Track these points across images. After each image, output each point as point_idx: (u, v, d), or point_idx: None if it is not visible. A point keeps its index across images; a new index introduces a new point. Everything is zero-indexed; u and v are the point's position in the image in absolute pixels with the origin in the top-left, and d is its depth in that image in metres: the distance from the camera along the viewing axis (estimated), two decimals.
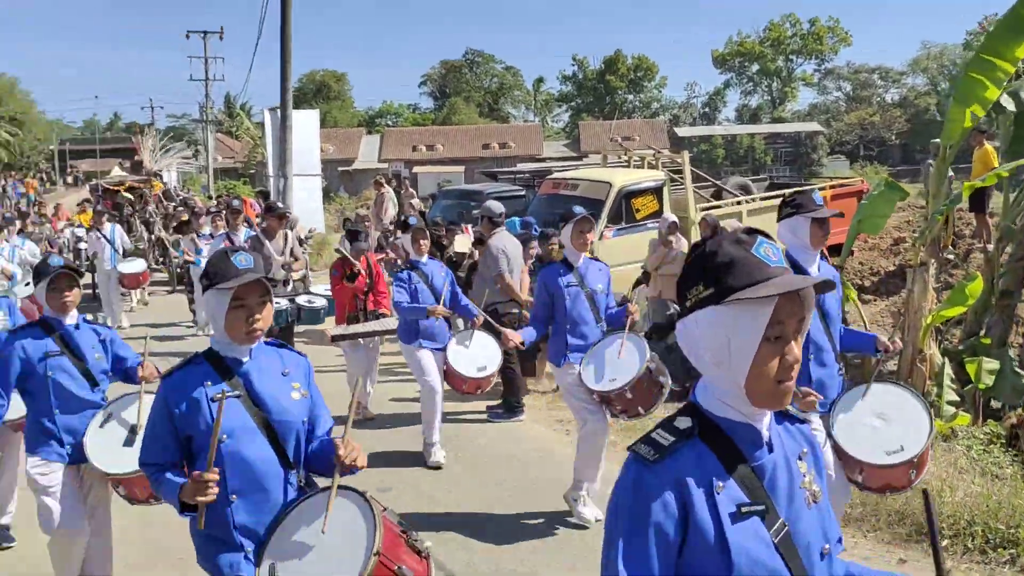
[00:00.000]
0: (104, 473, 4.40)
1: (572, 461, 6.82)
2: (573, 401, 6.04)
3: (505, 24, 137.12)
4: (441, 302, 7.28)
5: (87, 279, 13.53)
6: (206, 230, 12.70)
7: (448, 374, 7.26)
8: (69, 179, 59.17)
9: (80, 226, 18.51)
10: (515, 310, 8.83)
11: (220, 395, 2.92)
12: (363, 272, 8.68)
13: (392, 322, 8.24)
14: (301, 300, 10.00)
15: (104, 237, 14.08)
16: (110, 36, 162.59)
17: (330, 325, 9.33)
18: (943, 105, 58.48)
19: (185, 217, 16.43)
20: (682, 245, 10.98)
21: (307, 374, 3.26)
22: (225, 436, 2.94)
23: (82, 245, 14.67)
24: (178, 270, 16.58)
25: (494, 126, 65.92)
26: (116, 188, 22.96)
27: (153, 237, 19.81)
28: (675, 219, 11.26)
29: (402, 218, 13.84)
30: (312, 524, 2.83)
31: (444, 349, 7.27)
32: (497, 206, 9.39)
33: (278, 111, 19.31)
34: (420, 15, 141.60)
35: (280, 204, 11.09)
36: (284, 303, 9.47)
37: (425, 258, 7.55)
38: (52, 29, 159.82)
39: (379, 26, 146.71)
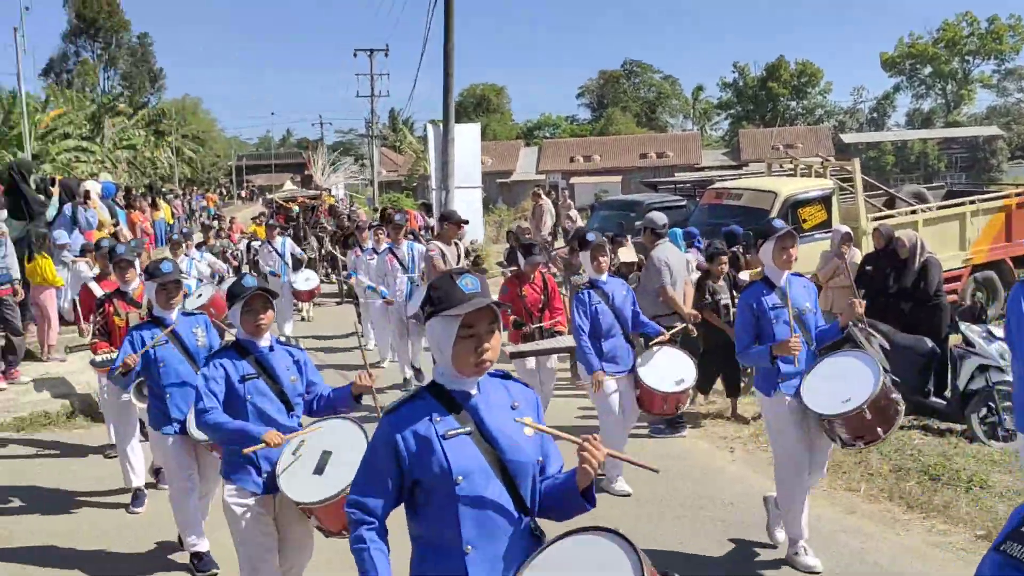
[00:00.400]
0: (294, 502, 4.24)
1: (737, 479, 6.62)
2: (781, 439, 5.46)
3: (664, 33, 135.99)
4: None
5: None
6: (369, 244, 13.05)
7: (643, 396, 6.74)
8: (244, 193, 62.43)
9: (255, 238, 19.30)
10: (678, 324, 8.63)
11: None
12: (536, 288, 8.18)
13: (569, 339, 7.71)
14: None
15: (275, 250, 14.53)
16: (284, 58, 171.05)
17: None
18: None
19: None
20: (854, 256, 10.52)
21: (536, 408, 2.86)
22: (461, 478, 2.61)
23: (260, 258, 15.37)
24: (344, 285, 17.08)
25: (651, 135, 65.43)
26: (288, 204, 23.92)
27: (323, 250, 20.54)
28: (848, 230, 10.80)
29: (562, 227, 13.68)
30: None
31: (629, 372, 6.81)
32: (660, 217, 9.21)
33: (441, 125, 19.74)
34: (579, 27, 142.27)
35: (456, 212, 11.17)
36: None
37: (605, 276, 6.95)
38: (231, 53, 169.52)
39: (538, 39, 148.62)
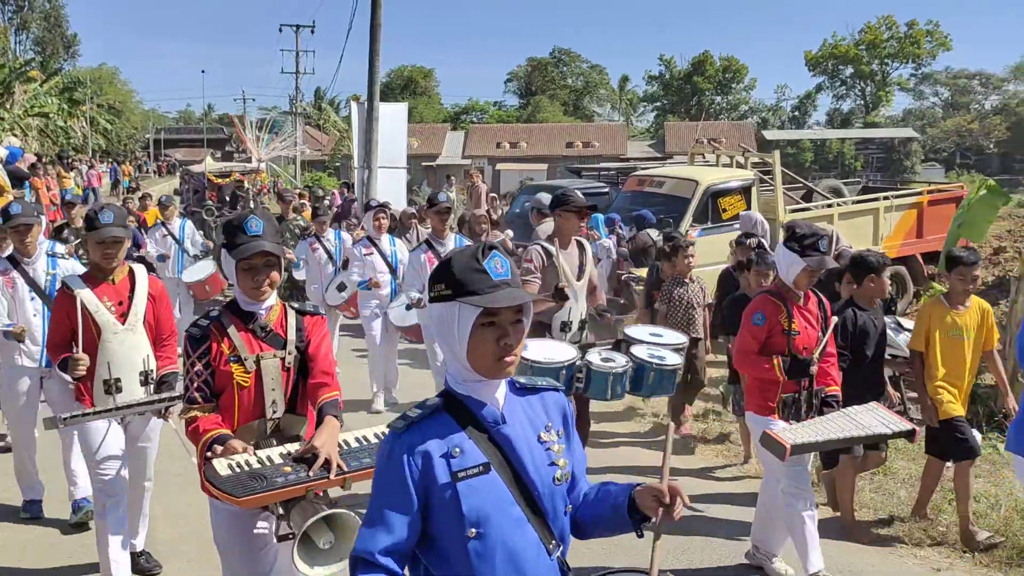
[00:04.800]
0: None
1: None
2: None
3: (592, 22, 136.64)
4: None
5: None
6: (346, 235, 11.22)
7: None
8: (162, 166, 60.43)
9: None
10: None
11: None
12: (810, 316, 5.11)
13: (872, 417, 4.89)
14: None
15: (171, 235, 11.70)
16: (206, 31, 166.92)
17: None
18: None
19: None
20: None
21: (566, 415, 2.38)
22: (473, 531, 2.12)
23: (148, 239, 11.81)
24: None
25: (578, 125, 65.67)
26: (219, 180, 21.12)
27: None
28: (760, 218, 10.96)
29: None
30: None
31: None
32: (547, 197, 8.97)
33: (365, 102, 19.42)
34: (509, 13, 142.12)
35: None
36: (676, 359, 5.91)
37: None
38: (151, 23, 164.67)
39: (468, 24, 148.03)
